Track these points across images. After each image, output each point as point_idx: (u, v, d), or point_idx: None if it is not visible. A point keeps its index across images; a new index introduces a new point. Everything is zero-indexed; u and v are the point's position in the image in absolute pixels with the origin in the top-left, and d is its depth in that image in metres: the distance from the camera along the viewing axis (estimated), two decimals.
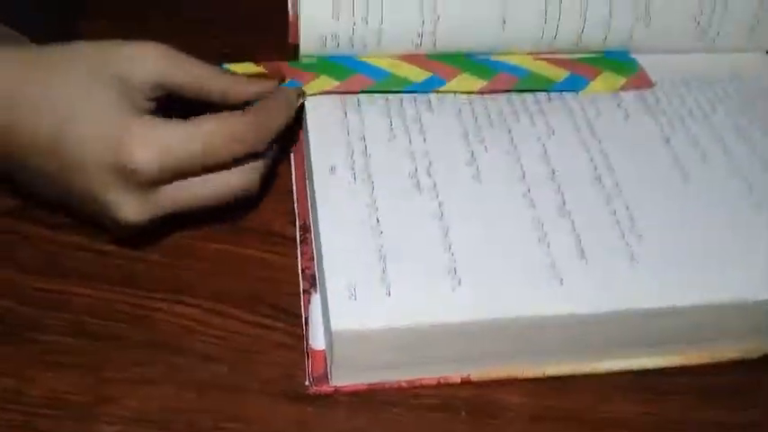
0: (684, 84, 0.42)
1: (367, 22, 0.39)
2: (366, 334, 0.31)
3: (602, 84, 0.41)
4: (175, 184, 0.32)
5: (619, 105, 0.40)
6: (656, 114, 0.40)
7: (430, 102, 0.39)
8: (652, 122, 0.40)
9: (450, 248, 0.33)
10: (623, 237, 0.34)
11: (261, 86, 0.35)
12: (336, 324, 0.30)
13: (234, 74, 0.35)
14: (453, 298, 0.32)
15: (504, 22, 0.40)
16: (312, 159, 0.36)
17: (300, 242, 0.38)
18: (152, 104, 0.33)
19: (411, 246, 0.33)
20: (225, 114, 0.32)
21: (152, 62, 0.32)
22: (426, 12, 0.39)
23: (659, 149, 0.38)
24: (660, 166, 0.37)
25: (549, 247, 0.33)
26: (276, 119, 0.34)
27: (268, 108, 0.34)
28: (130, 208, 0.31)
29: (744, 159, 0.38)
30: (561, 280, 0.32)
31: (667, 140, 0.39)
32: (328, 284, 0.32)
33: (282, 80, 0.38)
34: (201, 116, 0.31)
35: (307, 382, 0.33)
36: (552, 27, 0.40)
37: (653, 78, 0.42)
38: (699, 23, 0.42)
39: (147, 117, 0.31)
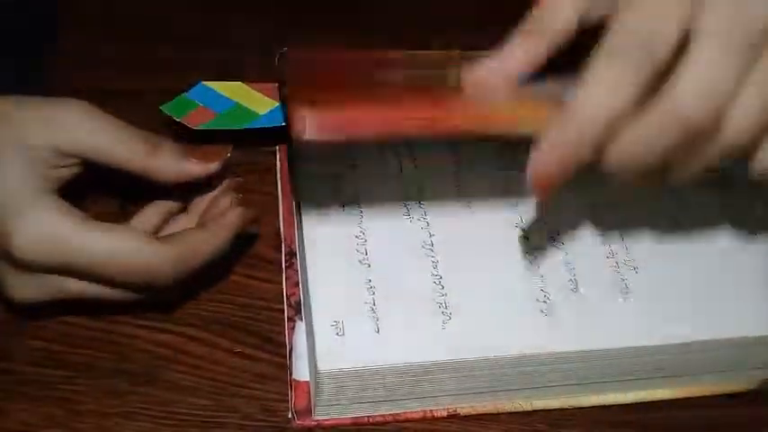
0: None
1: None
2: (354, 372, 0.30)
3: None
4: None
5: None
6: None
7: None
8: None
9: (440, 282, 0.32)
10: (618, 269, 0.33)
11: (188, 172, 0.31)
12: (323, 363, 0.29)
13: (163, 146, 0.31)
14: (443, 335, 0.31)
15: None
16: (300, 187, 0.35)
17: (286, 267, 0.37)
18: (66, 171, 0.29)
19: (400, 279, 0.32)
20: (139, 238, 0.29)
21: (62, 126, 0.28)
22: None
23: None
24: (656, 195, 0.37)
25: (542, 280, 0.33)
26: (201, 255, 0.30)
27: (195, 243, 0.30)
28: (15, 288, 0.29)
29: (739, 192, 0.37)
30: (553, 316, 0.32)
31: None
32: (315, 320, 0.31)
33: (227, 157, 0.33)
34: (111, 225, 0.28)
35: (289, 415, 0.32)
36: None
37: None
38: None
39: (46, 202, 0.28)
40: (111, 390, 0.32)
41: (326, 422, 0.32)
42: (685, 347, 0.32)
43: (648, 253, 0.34)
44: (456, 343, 0.30)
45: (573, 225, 0.35)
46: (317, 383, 0.30)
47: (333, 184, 0.35)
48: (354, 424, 0.32)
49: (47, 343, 0.33)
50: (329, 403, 0.31)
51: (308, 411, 0.32)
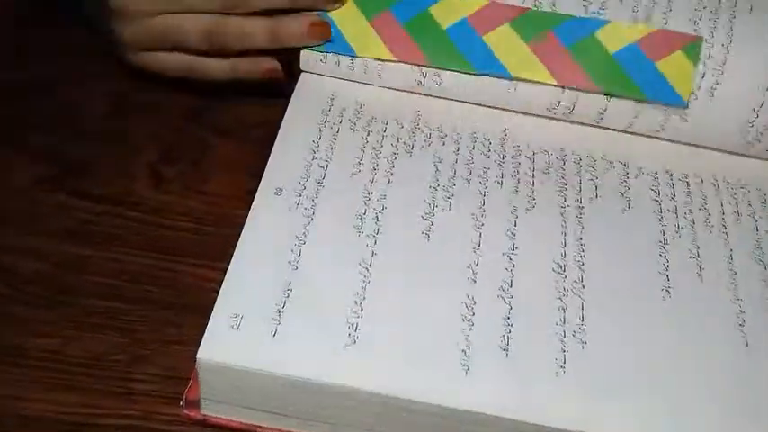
0: (714, 183, 0.37)
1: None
2: (231, 370, 0.29)
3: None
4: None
5: (623, 193, 0.36)
6: (664, 211, 0.36)
7: (413, 145, 0.38)
8: (655, 219, 0.36)
9: (361, 302, 0.31)
10: (563, 339, 0.30)
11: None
12: (203, 352, 0.29)
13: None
14: (340, 358, 0.29)
15: (516, 89, 0.39)
16: (264, 175, 0.35)
17: None
18: None
19: (321, 290, 0.31)
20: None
21: None
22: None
23: (650, 252, 0.34)
24: (643, 271, 0.33)
25: (471, 329, 0.30)
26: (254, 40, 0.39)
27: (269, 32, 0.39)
28: (125, 35, 0.39)
29: (747, 285, 0.33)
30: (468, 369, 0.29)
31: (664, 244, 0.35)
32: (215, 307, 0.30)
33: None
34: None
35: (181, 403, 0.32)
36: (569, 102, 0.38)
37: (684, 172, 0.37)
38: (747, 134, 0.37)
39: None
40: (167, 320, 0.35)
41: (213, 419, 0.31)
42: None
43: (607, 330, 0.31)
44: (349, 369, 0.28)
45: (532, 280, 0.32)
46: (198, 374, 0.30)
47: (297, 179, 0.35)
48: (242, 430, 0.31)
49: (107, 278, 0.37)
50: (215, 399, 0.30)
51: (197, 403, 0.31)
